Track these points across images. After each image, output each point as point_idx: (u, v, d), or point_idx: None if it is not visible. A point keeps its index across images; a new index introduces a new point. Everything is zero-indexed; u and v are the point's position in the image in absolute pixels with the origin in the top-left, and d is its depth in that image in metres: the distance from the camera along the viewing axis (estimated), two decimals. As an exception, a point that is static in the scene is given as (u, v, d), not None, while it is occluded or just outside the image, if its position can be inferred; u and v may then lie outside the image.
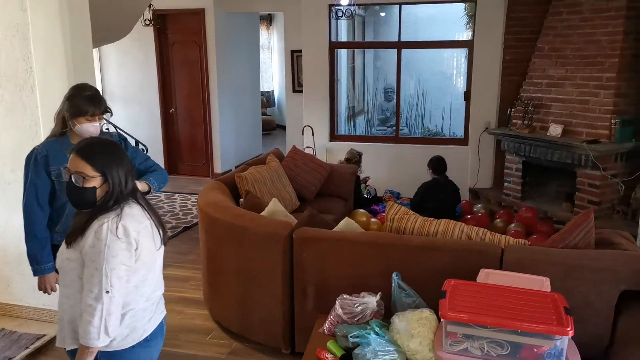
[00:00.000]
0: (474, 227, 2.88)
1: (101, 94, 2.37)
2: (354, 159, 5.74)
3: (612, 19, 4.76)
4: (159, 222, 1.81)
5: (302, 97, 6.80)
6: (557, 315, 2.04)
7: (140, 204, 1.76)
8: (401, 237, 2.75)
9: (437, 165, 5.10)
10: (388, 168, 6.47)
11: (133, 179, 1.75)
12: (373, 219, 5.18)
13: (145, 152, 4.40)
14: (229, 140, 7.74)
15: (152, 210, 1.79)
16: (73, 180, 1.66)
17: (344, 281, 2.78)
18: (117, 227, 1.64)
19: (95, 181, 1.67)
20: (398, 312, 2.39)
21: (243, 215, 3.10)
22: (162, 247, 1.85)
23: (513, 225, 5.03)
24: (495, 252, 2.60)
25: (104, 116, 2.42)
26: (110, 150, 1.71)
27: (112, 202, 1.67)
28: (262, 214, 3.26)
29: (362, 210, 5.09)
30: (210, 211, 3.21)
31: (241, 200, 3.75)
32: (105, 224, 1.64)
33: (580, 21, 5.04)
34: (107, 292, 1.63)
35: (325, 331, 2.52)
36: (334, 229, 2.99)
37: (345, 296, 2.51)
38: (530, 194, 5.65)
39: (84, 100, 2.27)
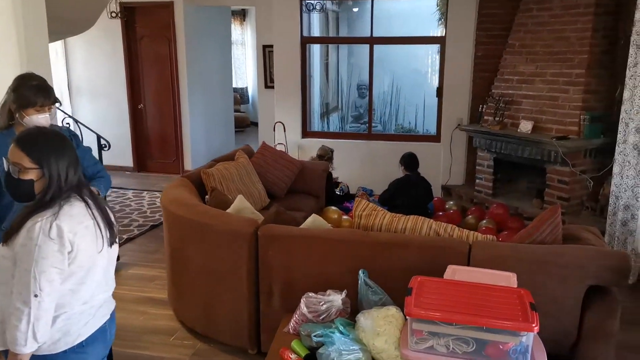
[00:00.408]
0: (443, 224, 2.86)
1: (48, 83, 2.26)
2: (326, 155, 5.70)
3: (581, 15, 4.81)
4: (106, 222, 1.73)
5: (274, 93, 6.73)
6: (522, 311, 2.02)
7: (86, 202, 1.66)
8: (368, 233, 2.71)
9: (409, 162, 5.08)
10: (361, 165, 6.44)
11: (77, 173, 1.65)
12: (345, 217, 5.14)
13: (107, 148, 4.27)
14: (200, 137, 7.63)
15: (98, 209, 1.70)
16: (10, 170, 1.57)
17: (311, 279, 2.73)
18: (50, 227, 1.54)
19: (32, 173, 1.58)
20: (364, 310, 2.36)
21: (207, 212, 3.02)
22: (109, 248, 1.76)
23: (484, 221, 5.05)
24: (463, 249, 2.58)
25: (58, 107, 2.31)
26: (52, 142, 1.62)
27: (50, 196, 1.58)
28: (228, 211, 3.18)
29: (333, 208, 5.06)
30: (174, 208, 3.12)
31: (207, 197, 3.66)
32: (38, 223, 1.54)
33: (550, 18, 5.08)
34: (36, 295, 1.52)
35: (290, 330, 2.47)
36: (300, 226, 2.93)
37: (310, 294, 2.47)
38: (502, 191, 5.69)
39: (32, 90, 2.16)
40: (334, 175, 5.97)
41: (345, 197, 6.07)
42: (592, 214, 4.84)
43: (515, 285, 2.31)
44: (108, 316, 1.85)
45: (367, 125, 6.79)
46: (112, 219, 1.78)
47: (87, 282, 1.69)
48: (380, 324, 2.25)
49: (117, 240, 1.81)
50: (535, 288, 2.40)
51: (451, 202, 5.76)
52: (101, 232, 1.70)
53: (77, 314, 1.69)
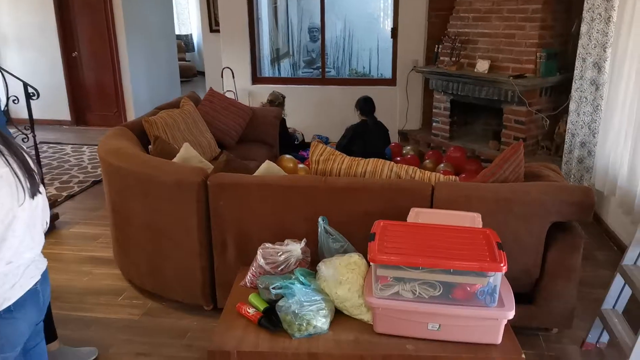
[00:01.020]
0: (404, 166, 2.74)
1: None
2: (277, 100, 5.46)
3: (538, -52, 4.67)
4: (25, 170, 1.49)
5: (220, 37, 6.35)
6: (490, 251, 1.95)
7: None
8: (326, 179, 2.56)
9: (365, 106, 4.93)
10: (315, 112, 6.24)
11: None
12: (301, 165, 4.99)
13: (36, 97, 3.90)
14: (143, 87, 7.20)
15: (14, 155, 1.47)
16: None
17: (267, 230, 2.59)
18: None
19: None
20: (325, 259, 2.24)
21: (149, 162, 2.79)
22: (32, 200, 1.54)
23: (442, 165, 5.01)
24: (426, 190, 2.48)
25: None
26: None
27: None
28: (174, 160, 2.96)
29: (288, 156, 4.88)
30: (112, 159, 2.87)
31: (150, 147, 3.41)
32: None
33: (506, -49, 4.91)
34: None
35: (247, 284, 2.33)
36: (254, 174, 2.75)
37: (267, 245, 2.32)
38: (458, 134, 5.65)
39: None
40: (289, 119, 5.76)
41: (300, 146, 5.90)
42: (548, 153, 4.87)
43: (481, 226, 2.24)
44: (39, 277, 1.65)
45: (320, 70, 6.56)
46: (32, 166, 1.55)
47: (9, 239, 1.48)
48: (343, 272, 2.13)
49: (40, 190, 1.59)
50: (499, 227, 2.34)
51: (408, 147, 5.69)
52: (20, 182, 1.47)
53: (1, 275, 1.48)
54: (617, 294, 2.49)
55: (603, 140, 3.62)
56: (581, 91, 3.93)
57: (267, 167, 2.78)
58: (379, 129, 5.08)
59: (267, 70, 6.95)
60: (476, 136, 5.65)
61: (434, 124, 5.70)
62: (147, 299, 3.00)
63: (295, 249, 2.23)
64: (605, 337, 2.59)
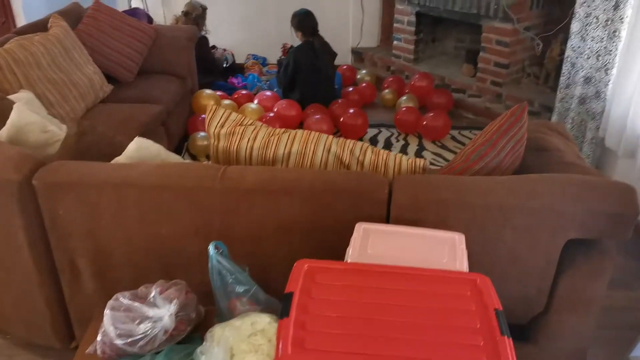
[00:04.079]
0: (347, 142, 1.87)
1: None
2: (195, 12, 4.34)
3: None
4: None
5: None
6: (485, 336, 1.17)
7: None
8: (225, 173, 1.67)
9: (307, 22, 3.94)
10: (248, 26, 5.13)
11: None
12: (226, 101, 4.05)
13: None
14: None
15: None
16: None
17: (137, 247, 1.75)
18: None
19: None
20: (218, 324, 1.41)
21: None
22: None
23: (404, 98, 4.17)
24: (379, 192, 1.63)
25: None
26: None
27: None
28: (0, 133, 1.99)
29: (207, 92, 3.91)
30: None
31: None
32: None
33: None
34: None
35: (98, 352, 1.49)
36: (115, 160, 1.83)
37: (122, 299, 1.46)
38: (425, 54, 4.72)
39: None
40: (211, 41, 4.68)
41: (231, 70, 4.88)
42: (536, 82, 4.04)
43: (464, 254, 1.45)
44: None
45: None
46: None
47: None
48: (242, 349, 1.33)
49: None
50: (489, 243, 1.62)
51: (363, 72, 4.78)
52: None
53: None
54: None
55: (622, 80, 2.80)
56: (589, 7, 3.03)
57: (137, 148, 1.85)
58: (328, 52, 4.13)
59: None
60: (446, 57, 4.75)
61: (395, 42, 4.73)
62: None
63: (162, 315, 1.39)
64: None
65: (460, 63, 4.49)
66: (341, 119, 3.85)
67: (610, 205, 1.58)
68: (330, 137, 1.88)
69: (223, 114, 1.90)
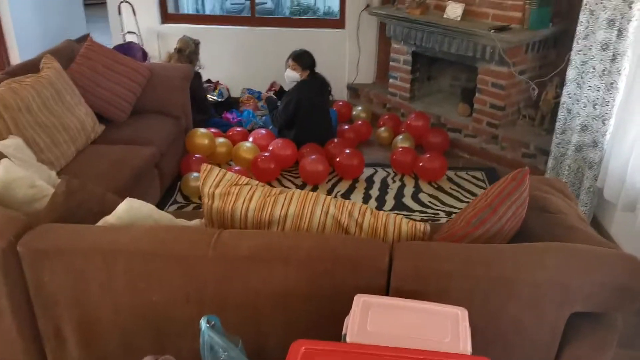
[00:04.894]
0: (346, 203, 1.83)
1: None
2: (188, 49, 4.33)
3: None
4: None
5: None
6: None
7: None
8: (218, 241, 1.61)
9: (310, 61, 4.03)
10: (244, 59, 5.13)
11: None
12: (221, 139, 4.02)
13: None
14: (30, 17, 5.70)
15: None
16: None
17: (126, 314, 1.68)
18: None
19: None
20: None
21: None
22: None
23: (400, 137, 4.16)
24: (379, 261, 1.59)
25: None
26: None
27: None
28: (-14, 188, 1.92)
29: (202, 131, 3.87)
30: None
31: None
32: None
33: None
34: None
35: None
36: (105, 219, 1.77)
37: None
38: (420, 93, 4.72)
39: None
40: (205, 76, 4.66)
41: (226, 105, 4.85)
42: (531, 124, 4.04)
43: (467, 330, 1.40)
44: None
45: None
46: None
47: None
48: None
49: None
50: (491, 314, 1.57)
51: (359, 108, 4.77)
52: None
53: None
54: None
55: (621, 133, 2.78)
56: (585, 55, 3.03)
57: (127, 209, 1.79)
58: (325, 88, 4.17)
59: (185, 4, 5.70)
60: (442, 95, 4.75)
61: (390, 80, 4.73)
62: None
63: (150, 400, 1.32)
64: None
65: (455, 100, 4.49)
66: (337, 159, 3.82)
67: (617, 278, 1.54)
68: (329, 198, 1.83)
69: (218, 173, 1.85)
